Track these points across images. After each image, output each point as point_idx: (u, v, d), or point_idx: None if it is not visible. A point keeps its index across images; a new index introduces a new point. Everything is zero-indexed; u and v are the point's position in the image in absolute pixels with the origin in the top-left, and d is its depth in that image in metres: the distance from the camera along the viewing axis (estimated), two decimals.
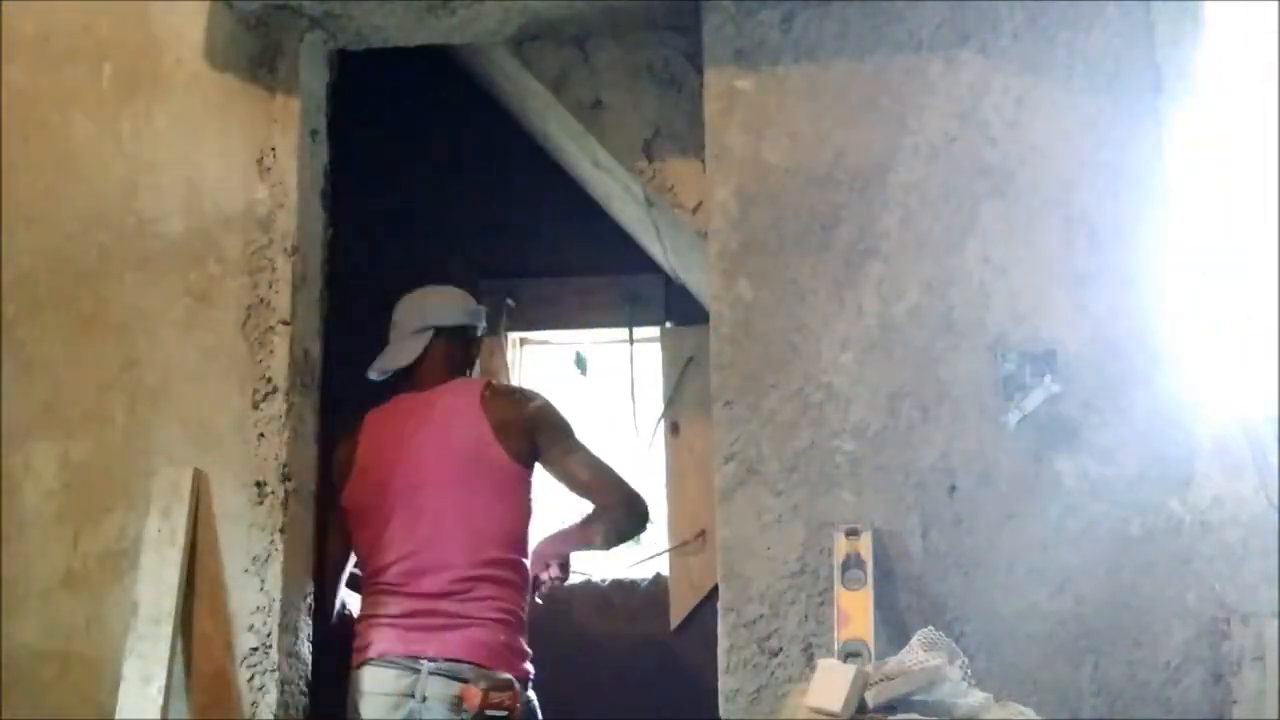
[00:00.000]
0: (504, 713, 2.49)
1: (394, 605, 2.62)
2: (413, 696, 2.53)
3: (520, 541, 2.71)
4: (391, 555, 2.65)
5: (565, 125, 3.25)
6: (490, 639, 2.59)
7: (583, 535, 2.79)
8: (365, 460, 2.75)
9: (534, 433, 2.73)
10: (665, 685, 3.88)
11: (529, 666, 2.70)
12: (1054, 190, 2.54)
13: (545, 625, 3.96)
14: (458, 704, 2.50)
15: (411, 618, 2.60)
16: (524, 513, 2.72)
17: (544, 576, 2.80)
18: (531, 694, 2.72)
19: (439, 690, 2.52)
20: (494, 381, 2.89)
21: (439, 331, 2.86)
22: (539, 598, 2.86)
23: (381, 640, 2.60)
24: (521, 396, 2.83)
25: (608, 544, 2.84)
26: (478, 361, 3.03)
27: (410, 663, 2.54)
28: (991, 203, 2.55)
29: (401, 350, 2.86)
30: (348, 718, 2.61)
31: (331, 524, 2.80)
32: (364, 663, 2.61)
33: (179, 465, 2.68)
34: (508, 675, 2.53)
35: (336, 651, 2.74)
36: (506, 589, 2.65)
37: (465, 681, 2.51)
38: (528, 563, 2.75)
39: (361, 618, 2.69)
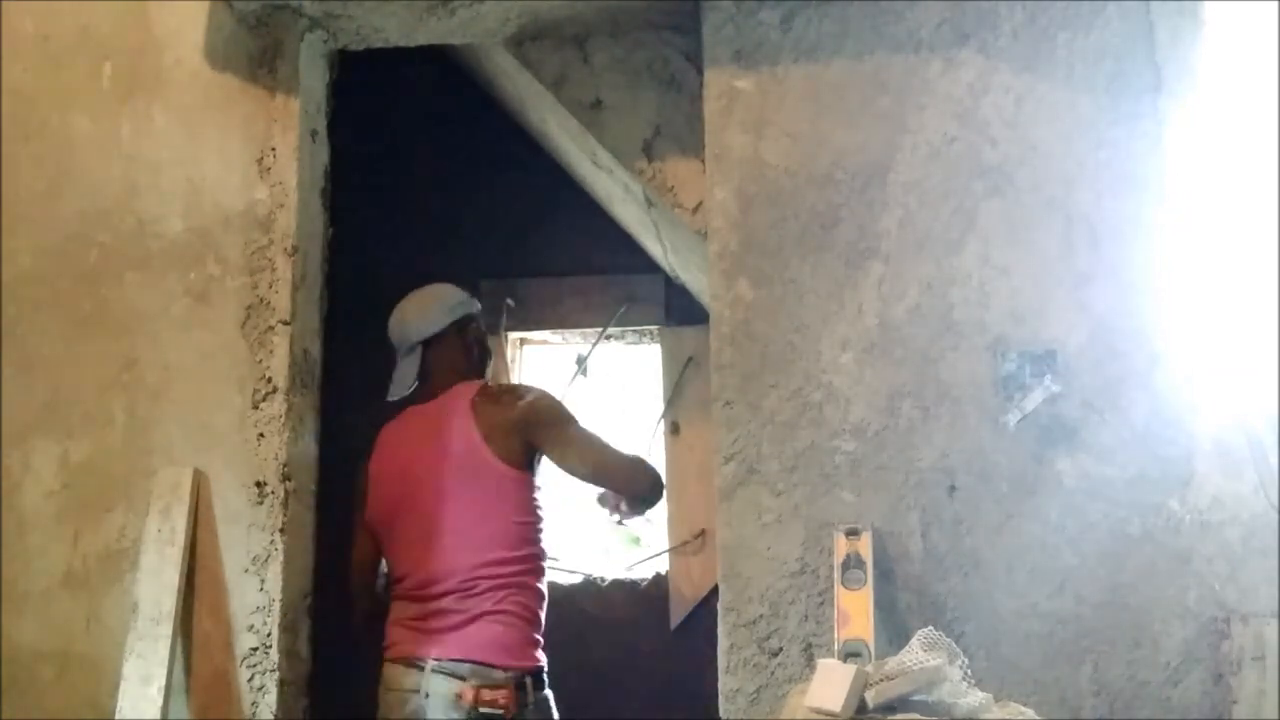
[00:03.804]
0: (499, 710, 2.57)
1: (410, 609, 2.71)
2: (418, 692, 2.60)
3: (526, 539, 2.73)
4: (405, 565, 2.73)
5: (565, 125, 3.25)
6: (490, 636, 2.65)
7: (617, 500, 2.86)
8: (378, 476, 2.81)
9: (526, 432, 2.74)
10: (665, 685, 3.88)
11: (541, 660, 2.72)
12: (1054, 190, 2.54)
13: (546, 625, 3.97)
14: (457, 701, 2.59)
15: (422, 620, 2.68)
16: (526, 510, 2.74)
17: (621, 507, 2.84)
18: (548, 692, 2.74)
19: (440, 687, 2.60)
20: (489, 385, 2.89)
21: (426, 344, 2.86)
22: (624, 519, 2.92)
23: (398, 641, 2.70)
24: (512, 397, 2.83)
25: (633, 514, 2.89)
26: (486, 344, 2.98)
27: (418, 662, 2.63)
28: (991, 203, 2.55)
29: (402, 373, 2.87)
30: (379, 709, 2.71)
31: (360, 532, 2.85)
32: (386, 659, 2.71)
33: (179, 465, 2.68)
34: (503, 674, 2.60)
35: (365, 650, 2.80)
36: (511, 586, 2.69)
37: (463, 680, 2.59)
38: (544, 552, 2.79)
39: (390, 619, 2.77)
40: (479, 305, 2.99)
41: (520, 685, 2.63)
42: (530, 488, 2.75)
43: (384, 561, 2.83)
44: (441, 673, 2.60)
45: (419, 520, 2.71)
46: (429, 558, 2.69)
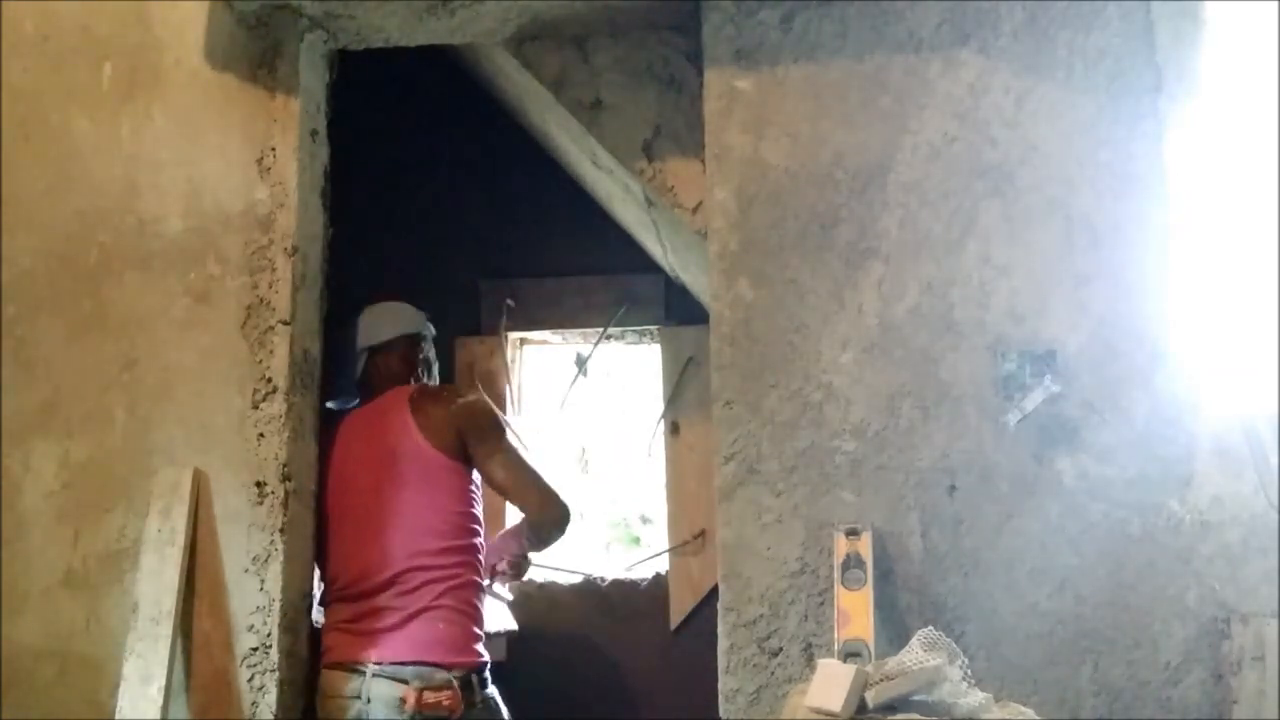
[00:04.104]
0: (443, 713, 2.55)
1: (345, 610, 2.69)
2: (359, 698, 2.58)
3: (463, 529, 2.73)
4: (339, 562, 2.72)
5: (565, 125, 3.25)
6: (431, 633, 2.63)
7: (517, 537, 2.87)
8: (324, 477, 2.82)
9: (460, 430, 2.77)
10: (665, 685, 3.88)
11: (485, 656, 2.71)
12: (1054, 190, 2.54)
13: (546, 625, 3.98)
14: (400, 705, 2.56)
15: (357, 622, 2.66)
16: (463, 500, 2.74)
17: (500, 567, 2.86)
18: (491, 690, 2.73)
19: (383, 691, 2.58)
20: (427, 385, 2.95)
21: (372, 352, 2.94)
22: (491, 592, 2.92)
23: (335, 646, 2.68)
24: (449, 394, 2.87)
25: (531, 546, 2.90)
26: (434, 365, 3.08)
27: (358, 666, 2.60)
28: (991, 203, 2.55)
29: (349, 377, 2.95)
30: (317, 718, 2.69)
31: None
32: (323, 666, 2.69)
33: (179, 465, 2.68)
34: (446, 675, 2.58)
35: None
36: (450, 579, 2.68)
37: (405, 683, 2.57)
38: (480, 547, 2.79)
39: (325, 624, 2.75)
40: (434, 331, 3.06)
41: (466, 684, 2.62)
42: (467, 479, 2.76)
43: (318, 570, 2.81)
44: (383, 676, 2.58)
45: (354, 516, 2.72)
46: (364, 552, 2.67)
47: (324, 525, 2.78)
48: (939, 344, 2.52)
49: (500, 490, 2.80)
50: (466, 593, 2.69)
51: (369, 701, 2.56)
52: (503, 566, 2.86)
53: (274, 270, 2.77)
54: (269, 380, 2.73)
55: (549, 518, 2.76)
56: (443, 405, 2.79)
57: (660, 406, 4.08)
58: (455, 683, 2.58)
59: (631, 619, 4.04)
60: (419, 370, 2.97)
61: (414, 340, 2.98)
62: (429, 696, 2.54)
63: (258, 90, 2.85)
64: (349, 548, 2.70)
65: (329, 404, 2.92)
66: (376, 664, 2.58)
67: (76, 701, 2.64)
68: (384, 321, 2.96)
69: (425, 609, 2.63)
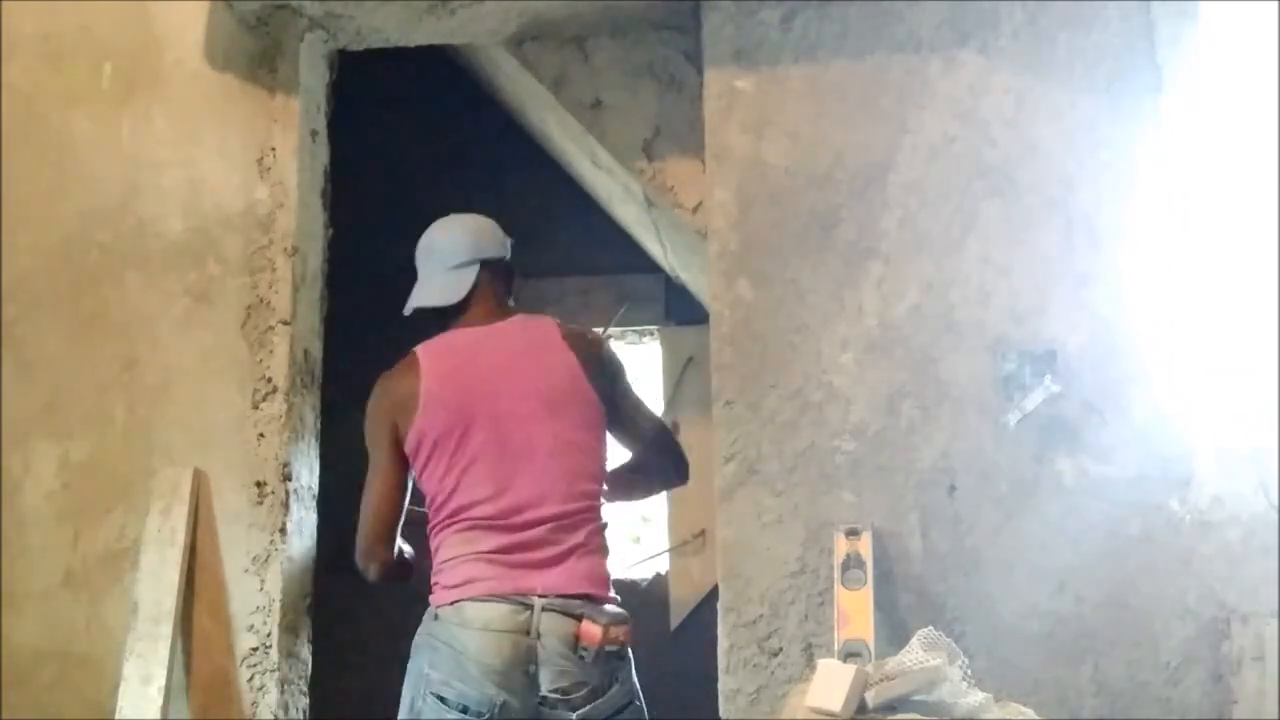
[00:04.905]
0: (618, 647, 2.34)
1: (490, 539, 2.42)
2: (528, 634, 2.34)
3: (603, 476, 2.54)
4: (483, 489, 2.45)
5: (565, 125, 3.26)
6: (592, 568, 2.43)
7: (626, 485, 2.66)
8: (436, 393, 2.49)
9: (612, 377, 2.56)
10: (665, 685, 3.88)
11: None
12: (1054, 190, 2.54)
13: None
14: (574, 641, 2.33)
15: (511, 553, 2.41)
16: (605, 447, 2.62)
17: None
18: None
19: (554, 626, 2.34)
20: (567, 323, 2.72)
21: (484, 264, 2.62)
22: None
23: (482, 576, 2.40)
24: (594, 338, 2.64)
25: (645, 496, 2.79)
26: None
27: (521, 599, 2.35)
28: (991, 203, 2.55)
29: (447, 285, 2.62)
30: (424, 660, 2.39)
31: (381, 466, 2.54)
32: (466, 599, 2.39)
33: (179, 465, 2.68)
34: (623, 610, 2.39)
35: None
36: (597, 521, 2.49)
37: (578, 618, 2.34)
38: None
39: (450, 556, 2.46)
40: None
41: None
42: (605, 427, 2.56)
43: (419, 493, 2.53)
44: (554, 610, 2.34)
45: (501, 442, 2.46)
46: (524, 483, 2.45)
47: (455, 438, 2.48)
48: (939, 344, 2.52)
49: (638, 442, 2.61)
50: (604, 536, 2.50)
51: (539, 636, 2.33)
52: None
53: (274, 270, 2.77)
54: (269, 380, 2.73)
55: (681, 476, 2.65)
56: (595, 348, 2.58)
57: (660, 406, 4.08)
58: (630, 618, 2.38)
59: (631, 619, 4.04)
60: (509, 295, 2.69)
61: (512, 261, 2.69)
62: (614, 631, 2.32)
63: (258, 90, 2.85)
64: (501, 475, 2.45)
65: (419, 304, 2.62)
66: (543, 595, 2.34)
67: (76, 701, 2.64)
68: (495, 234, 2.68)
69: (581, 545, 2.42)
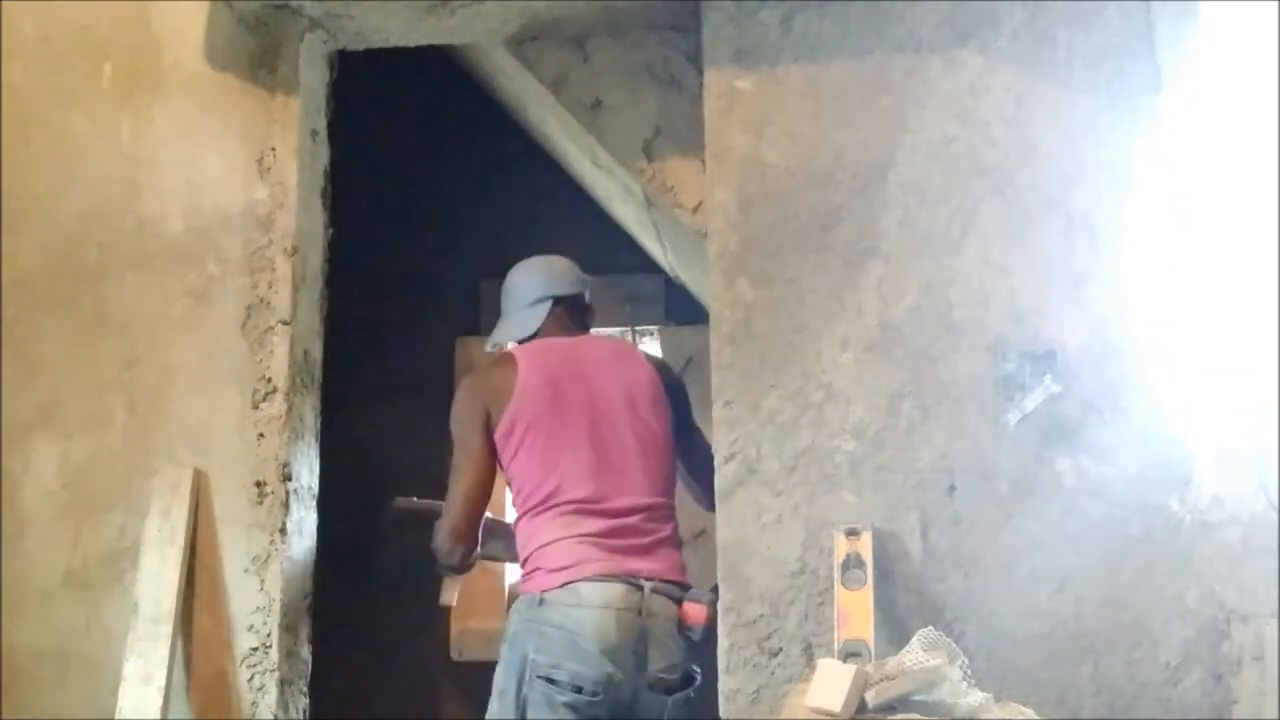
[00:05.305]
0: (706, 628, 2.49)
1: (592, 524, 2.54)
2: (639, 613, 2.46)
3: (674, 483, 2.73)
4: (580, 475, 2.58)
5: (565, 125, 3.26)
6: (681, 561, 2.61)
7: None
8: (532, 381, 2.63)
9: (681, 397, 2.78)
10: None
11: None
12: (1054, 190, 2.54)
13: None
14: (679, 622, 2.49)
15: (612, 537, 2.53)
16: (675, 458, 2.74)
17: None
18: None
19: (662, 608, 2.49)
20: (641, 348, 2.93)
21: (557, 300, 2.82)
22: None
23: (593, 558, 2.50)
24: (666, 362, 2.91)
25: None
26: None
27: (632, 580, 2.49)
28: (991, 203, 2.55)
29: (520, 321, 2.82)
30: (528, 646, 2.46)
31: (473, 452, 2.63)
32: (580, 579, 2.48)
33: (179, 465, 2.68)
34: (711, 595, 2.52)
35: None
36: (675, 519, 2.66)
37: (678, 601, 2.50)
38: None
39: (552, 539, 2.54)
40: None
41: None
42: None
43: (513, 479, 2.64)
44: (660, 593, 2.49)
45: (597, 436, 2.61)
46: (623, 473, 2.59)
47: (538, 428, 2.59)
48: (939, 344, 2.52)
49: (693, 458, 2.75)
50: (679, 534, 2.68)
51: (650, 617, 2.46)
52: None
53: (274, 270, 2.77)
54: (269, 380, 2.73)
55: (711, 507, 2.71)
56: (669, 370, 2.83)
57: None
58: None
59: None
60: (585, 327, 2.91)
61: (585, 300, 2.92)
62: (713, 613, 2.47)
63: (258, 90, 2.85)
64: (601, 463, 2.58)
65: (488, 347, 2.90)
66: (649, 580, 2.49)
67: (76, 701, 2.65)
68: (569, 273, 2.89)
69: (668, 538, 2.60)
